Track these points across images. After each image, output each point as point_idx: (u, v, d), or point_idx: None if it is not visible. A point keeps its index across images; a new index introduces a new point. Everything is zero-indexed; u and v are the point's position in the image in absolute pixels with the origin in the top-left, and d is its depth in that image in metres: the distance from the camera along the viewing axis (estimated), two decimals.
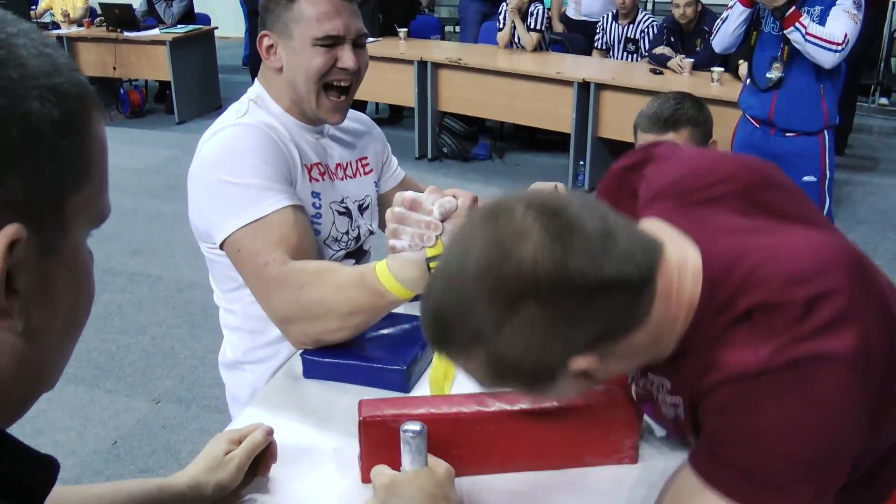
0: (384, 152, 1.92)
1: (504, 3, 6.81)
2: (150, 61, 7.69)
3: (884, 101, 8.04)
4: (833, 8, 3.63)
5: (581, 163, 5.86)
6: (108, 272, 4.67)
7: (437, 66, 6.48)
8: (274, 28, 1.61)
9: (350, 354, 1.44)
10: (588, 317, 0.91)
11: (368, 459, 1.15)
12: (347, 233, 1.76)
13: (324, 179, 1.70)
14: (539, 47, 6.74)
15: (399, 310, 1.46)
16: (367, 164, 1.84)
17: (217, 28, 8.33)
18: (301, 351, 1.48)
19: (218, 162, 1.54)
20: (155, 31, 7.70)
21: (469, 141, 6.83)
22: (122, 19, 7.63)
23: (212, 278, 1.73)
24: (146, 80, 8.56)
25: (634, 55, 6.53)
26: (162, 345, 3.91)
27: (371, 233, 1.85)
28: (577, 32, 7.66)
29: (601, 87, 5.69)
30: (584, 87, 5.76)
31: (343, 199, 1.75)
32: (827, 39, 3.54)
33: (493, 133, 7.25)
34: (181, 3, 8.09)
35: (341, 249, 1.74)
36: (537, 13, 6.73)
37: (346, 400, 1.37)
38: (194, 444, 3.21)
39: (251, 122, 1.60)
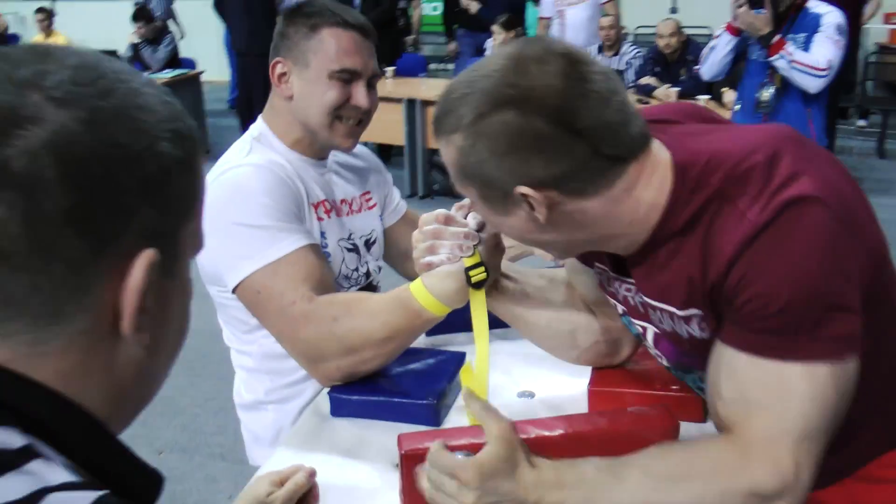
0: (386, 186, 1.93)
1: (492, 38, 6.88)
2: None
3: (862, 122, 8.16)
4: (816, 34, 3.71)
5: None
6: None
7: (426, 103, 6.52)
8: (289, 55, 1.62)
9: (378, 391, 1.45)
10: (554, 152, 1.03)
11: (410, 494, 1.15)
12: (357, 269, 1.77)
13: (330, 217, 1.70)
14: None
15: (420, 344, 1.49)
16: (371, 199, 1.85)
17: (204, 72, 8.35)
18: (328, 389, 1.49)
19: (227, 204, 1.51)
20: None
21: (447, 175, 6.83)
22: None
23: (222, 321, 1.72)
24: None
25: None
26: (161, 394, 3.74)
27: (379, 269, 1.86)
28: None
29: None
30: None
31: (350, 236, 1.76)
32: (811, 66, 3.62)
33: None
34: (167, 48, 8.13)
35: (352, 286, 1.74)
36: None
37: (378, 436, 1.37)
38: (200, 494, 3.16)
39: (257, 161, 1.59)
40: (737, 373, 1.07)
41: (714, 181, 1.07)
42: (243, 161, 1.59)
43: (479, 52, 7.46)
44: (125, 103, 0.61)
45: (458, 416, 1.44)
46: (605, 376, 1.46)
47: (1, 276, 0.57)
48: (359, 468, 1.32)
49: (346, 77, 1.60)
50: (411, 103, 6.44)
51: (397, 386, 1.46)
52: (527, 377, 1.54)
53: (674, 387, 1.40)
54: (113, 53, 7.84)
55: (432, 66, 9.45)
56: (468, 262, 1.34)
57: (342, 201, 1.76)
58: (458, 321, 1.51)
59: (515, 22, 6.81)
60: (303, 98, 1.62)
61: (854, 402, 1.09)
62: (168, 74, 7.67)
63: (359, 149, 1.84)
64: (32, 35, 8.88)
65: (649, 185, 1.10)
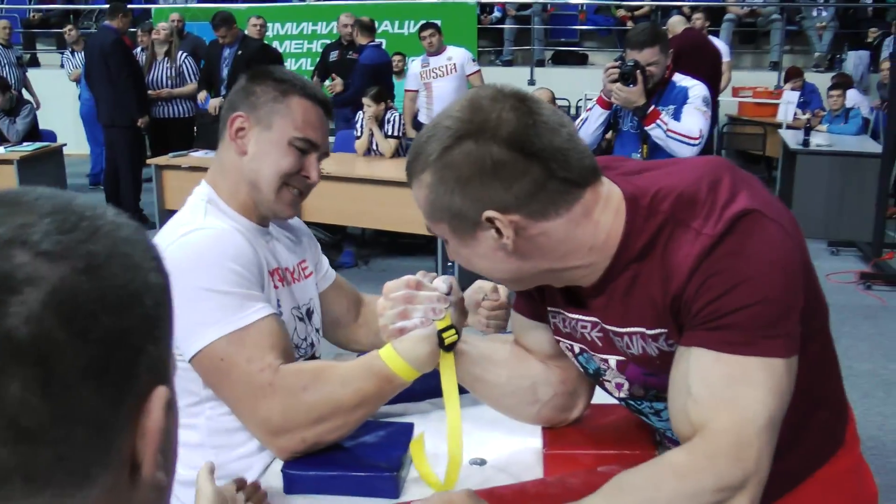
0: (318, 253, 1.93)
1: (360, 112, 6.97)
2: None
3: None
4: (685, 106, 3.92)
5: (449, 263, 5.97)
6: None
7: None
8: (252, 113, 1.61)
9: (335, 465, 1.43)
10: (512, 176, 1.14)
11: None
12: (305, 339, 1.75)
13: (283, 285, 1.69)
14: (397, 153, 6.90)
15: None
16: (307, 267, 1.84)
17: (66, 144, 8.07)
18: (281, 465, 1.45)
19: (190, 269, 1.47)
20: (0, 150, 7.41)
21: (334, 250, 6.84)
22: None
23: None
24: None
25: None
26: None
27: (319, 339, 1.84)
28: None
29: None
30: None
31: (300, 305, 1.75)
32: (685, 135, 3.81)
33: (356, 240, 7.30)
34: (25, 120, 7.81)
35: (300, 357, 1.71)
36: (394, 120, 6.92)
37: None
38: None
39: (219, 225, 1.57)
40: (703, 371, 1.15)
41: (664, 208, 1.18)
42: (205, 224, 1.56)
43: (350, 124, 7.54)
44: (114, 241, 0.57)
45: (416, 488, 1.43)
46: (559, 437, 1.49)
47: (24, 454, 0.51)
48: None
49: (304, 147, 1.62)
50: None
51: (354, 459, 1.44)
52: (476, 443, 1.54)
53: (626, 451, 1.44)
54: None
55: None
56: (440, 325, 1.37)
57: (285, 269, 1.74)
58: (404, 392, 1.52)
59: (385, 94, 6.96)
60: (257, 157, 1.61)
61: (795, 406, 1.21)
62: (29, 148, 7.37)
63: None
64: None
65: (606, 210, 1.21)
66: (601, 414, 1.54)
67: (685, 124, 3.87)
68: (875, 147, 7.22)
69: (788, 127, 8.21)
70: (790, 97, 8.52)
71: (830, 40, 10.46)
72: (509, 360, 1.48)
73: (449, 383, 1.39)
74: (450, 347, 1.39)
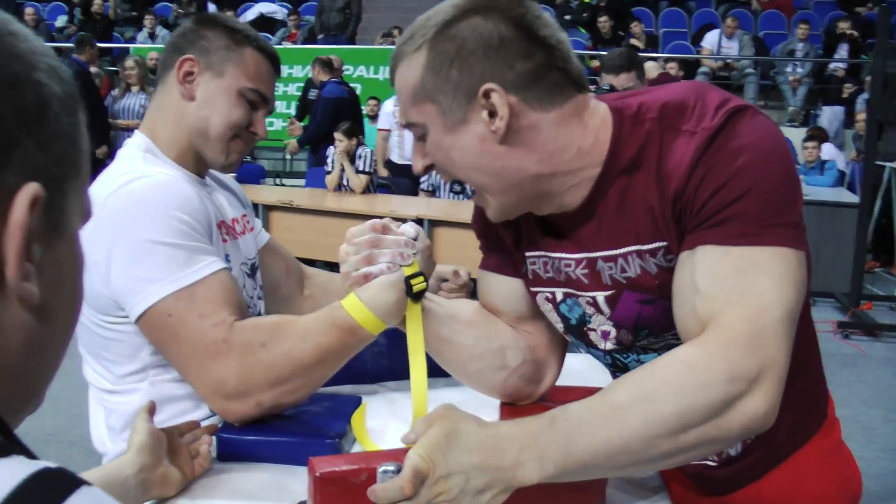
0: (251, 210, 1.82)
1: (332, 147, 6.94)
2: None
3: None
4: None
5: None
6: None
7: (269, 208, 6.47)
8: (203, 58, 1.51)
9: (273, 430, 1.31)
10: (517, 54, 1.10)
11: None
12: (253, 297, 1.64)
13: (230, 238, 1.58)
14: (367, 189, 6.87)
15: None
16: (249, 222, 1.73)
17: None
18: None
19: (135, 218, 1.35)
20: None
21: None
22: None
23: (97, 362, 1.49)
24: None
25: (460, 195, 6.73)
26: None
27: (261, 297, 1.72)
28: (402, 176, 7.88)
29: (435, 223, 5.83)
30: (417, 223, 5.88)
31: (247, 260, 1.63)
32: None
33: None
34: None
35: (250, 316, 1.57)
36: (365, 156, 6.90)
37: (273, 478, 1.24)
38: None
39: (162, 172, 1.45)
40: (711, 266, 1.05)
41: (651, 115, 1.13)
42: (145, 171, 1.44)
43: (321, 161, 7.50)
44: (4, 31, 0.56)
45: None
46: (516, 414, 1.33)
47: None
48: None
49: (255, 100, 1.54)
50: (254, 208, 6.34)
51: (295, 426, 1.33)
52: None
53: None
54: None
55: (269, 180, 9.38)
56: (408, 271, 1.27)
57: (233, 221, 1.63)
58: (355, 370, 1.43)
59: (356, 129, 6.96)
60: (207, 103, 1.51)
61: None
62: None
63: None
64: None
65: (594, 117, 1.15)
66: (564, 394, 1.42)
67: None
68: (852, 198, 7.26)
69: None
70: None
71: (804, 95, 10.58)
72: (477, 321, 1.36)
73: (415, 336, 1.27)
74: (418, 296, 1.28)
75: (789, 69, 10.69)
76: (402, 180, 7.92)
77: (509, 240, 1.31)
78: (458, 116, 1.12)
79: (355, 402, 1.43)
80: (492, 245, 1.36)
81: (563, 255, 1.23)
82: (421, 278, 1.28)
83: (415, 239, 1.30)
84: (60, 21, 12.51)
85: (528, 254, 1.29)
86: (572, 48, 1.16)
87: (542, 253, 1.26)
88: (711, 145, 1.06)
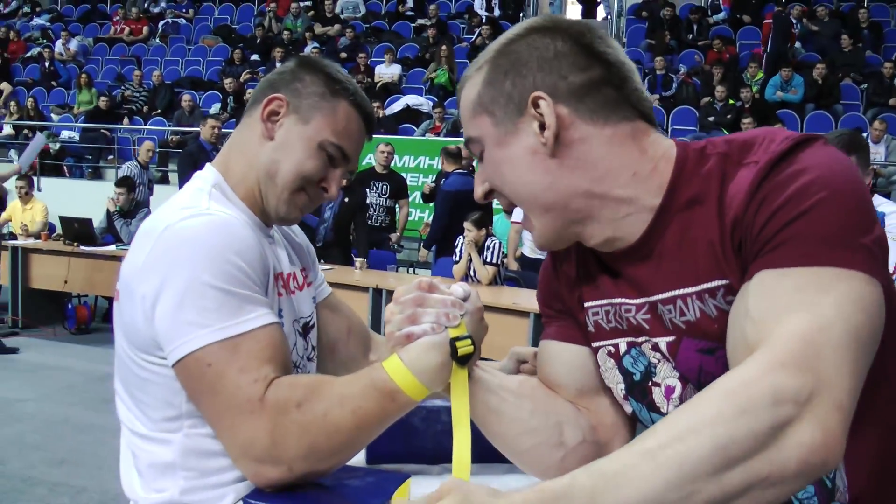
0: (316, 265, 1.73)
1: (461, 237, 6.95)
2: (102, 277, 7.59)
3: None
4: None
5: None
6: (27, 481, 4.32)
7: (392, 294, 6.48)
8: (293, 100, 1.45)
9: (303, 500, 1.22)
10: (571, 66, 1.08)
11: None
12: (304, 357, 1.55)
13: (286, 293, 1.49)
14: (494, 281, 6.81)
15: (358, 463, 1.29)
16: (307, 277, 1.64)
17: None
18: (244, 495, 1.25)
19: (189, 258, 1.27)
20: (111, 248, 7.67)
21: None
22: (81, 233, 7.63)
23: (133, 403, 1.41)
24: (96, 298, 8.42)
25: None
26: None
27: (312, 358, 1.62)
28: (531, 270, 7.79)
29: None
30: (539, 317, 5.77)
31: (300, 318, 1.55)
32: None
33: None
34: (140, 222, 8.10)
35: None
36: (493, 247, 6.86)
37: None
38: None
39: (224, 212, 1.37)
40: (766, 290, 0.93)
41: (718, 151, 1.07)
42: (209, 209, 1.36)
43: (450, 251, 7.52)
44: None
45: None
46: None
47: None
48: None
49: (335, 155, 1.45)
50: (378, 293, 6.40)
51: (331, 498, 1.23)
52: None
53: None
54: (88, 221, 7.93)
55: (402, 269, 9.47)
56: (454, 333, 1.19)
57: (289, 276, 1.54)
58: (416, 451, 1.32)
59: (486, 220, 6.93)
60: (283, 147, 1.44)
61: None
62: None
63: None
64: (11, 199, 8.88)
65: (655, 146, 1.11)
66: None
67: None
68: None
69: None
70: None
71: None
72: (532, 394, 1.26)
73: (460, 403, 1.18)
74: (464, 360, 1.19)
75: None
76: (530, 274, 7.83)
77: (571, 297, 1.23)
78: (510, 127, 1.12)
79: (401, 479, 1.33)
80: (555, 311, 1.28)
81: (624, 300, 1.14)
82: (468, 341, 1.19)
83: (464, 300, 1.22)
84: (214, 108, 13.21)
85: (588, 304, 1.21)
86: (638, 74, 1.14)
87: (604, 301, 1.18)
88: (773, 170, 0.98)
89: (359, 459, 1.43)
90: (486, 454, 1.31)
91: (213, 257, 1.28)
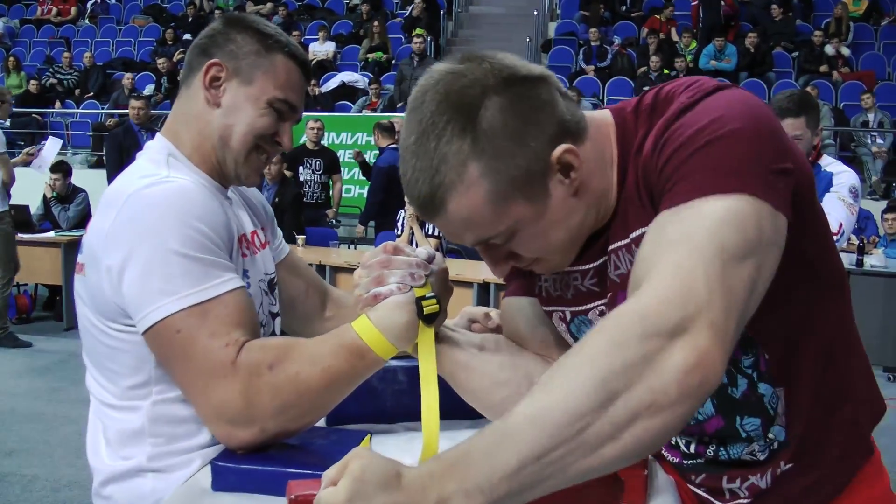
0: (273, 223, 1.75)
1: (402, 211, 6.98)
2: (41, 265, 7.49)
3: None
4: (826, 194, 3.50)
5: None
6: None
7: (336, 269, 6.52)
8: (231, 63, 1.46)
9: (271, 461, 1.26)
10: (544, 107, 1.04)
11: None
12: (270, 314, 1.58)
13: (250, 253, 1.52)
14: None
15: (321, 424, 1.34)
16: (267, 235, 1.67)
17: None
18: (211, 459, 1.29)
19: (153, 226, 1.29)
20: (50, 234, 7.55)
21: None
22: (18, 221, 7.48)
23: (100, 372, 1.42)
24: (36, 286, 8.29)
25: None
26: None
27: (278, 314, 1.65)
28: None
29: (502, 287, 5.76)
30: (484, 287, 5.86)
31: (266, 275, 1.57)
32: None
33: None
34: (78, 208, 8.04)
35: (265, 335, 1.52)
36: None
37: None
38: None
39: (185, 178, 1.38)
40: (655, 230, 0.97)
41: (647, 101, 1.11)
42: (169, 176, 1.38)
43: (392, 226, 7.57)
44: None
45: None
46: None
47: None
48: None
49: (283, 109, 1.48)
50: (321, 269, 6.42)
51: (294, 457, 1.27)
52: None
53: None
54: (25, 208, 7.77)
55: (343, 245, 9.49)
56: (420, 293, 1.24)
57: (252, 234, 1.56)
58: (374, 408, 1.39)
59: None
60: (232, 111, 1.46)
61: (811, 403, 1.09)
62: (78, 233, 7.50)
63: None
64: None
65: (604, 121, 1.13)
66: None
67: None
68: None
69: (841, 251, 7.99)
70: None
71: (883, 167, 10.32)
72: (500, 348, 1.31)
73: (427, 363, 1.23)
74: (430, 319, 1.24)
75: (869, 140, 10.45)
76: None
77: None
78: (543, 195, 1.06)
79: (361, 436, 1.38)
80: (514, 269, 1.31)
81: (573, 267, 1.19)
82: (433, 301, 1.24)
83: (429, 262, 1.27)
84: (148, 90, 13.00)
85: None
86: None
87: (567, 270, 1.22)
88: (678, 117, 1.01)
89: (320, 422, 1.47)
90: (451, 411, 1.35)
91: (177, 224, 1.30)
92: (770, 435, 1.18)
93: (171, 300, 1.28)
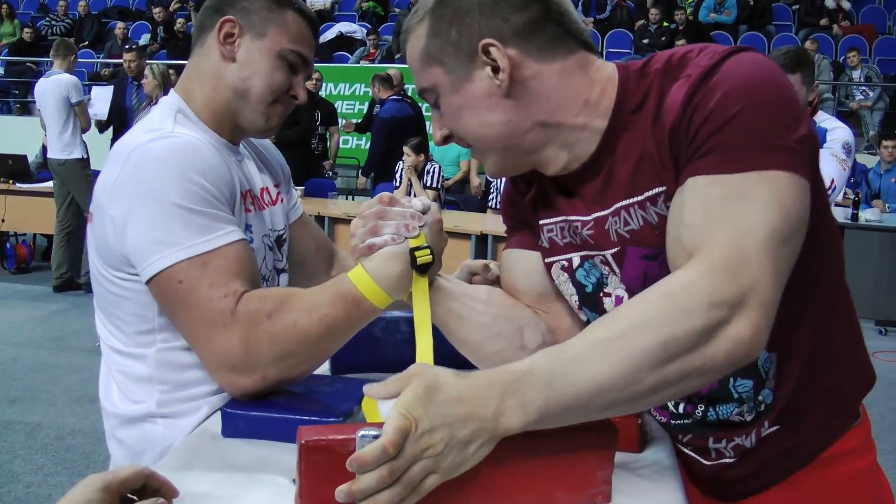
0: (289, 182, 1.80)
1: (400, 162, 7.00)
2: (40, 215, 7.50)
3: None
4: (820, 150, 3.54)
5: None
6: None
7: (335, 221, 6.55)
8: (244, 19, 1.51)
9: (279, 408, 1.30)
10: (511, 7, 1.13)
11: (309, 495, 1.01)
12: (274, 269, 1.63)
13: (255, 209, 1.56)
14: None
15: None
16: (280, 192, 1.71)
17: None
18: (220, 406, 1.34)
19: (155, 179, 1.33)
20: (48, 184, 7.55)
21: None
22: (15, 170, 7.48)
23: (108, 319, 1.49)
24: (34, 236, 8.32)
25: None
26: (37, 493, 3.61)
27: (285, 269, 1.70)
28: (469, 194, 7.90)
29: (499, 239, 5.82)
30: (481, 239, 5.90)
31: (271, 232, 1.62)
32: None
33: None
34: None
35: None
36: (433, 171, 6.93)
37: (275, 454, 1.23)
38: None
39: (189, 134, 1.42)
40: (697, 197, 1.03)
41: (656, 67, 1.14)
42: (174, 131, 1.42)
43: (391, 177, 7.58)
44: None
45: None
46: None
47: None
48: (252, 486, 1.16)
49: (296, 62, 1.53)
50: (320, 220, 6.44)
51: (300, 404, 1.32)
52: None
53: None
54: (23, 158, 7.77)
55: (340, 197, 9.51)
56: (414, 244, 1.27)
57: (262, 190, 1.61)
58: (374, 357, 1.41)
59: (425, 145, 7.01)
60: (248, 65, 1.50)
61: (803, 367, 1.15)
62: None
63: (264, 140, 1.74)
64: None
65: (602, 71, 1.18)
66: None
67: None
68: None
69: (837, 205, 8.02)
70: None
71: (881, 121, 10.31)
72: (495, 301, 1.35)
73: (421, 309, 1.26)
74: (423, 269, 1.27)
75: (860, 94, 10.44)
76: (470, 197, 7.94)
77: (531, 211, 1.32)
78: (463, 75, 1.16)
79: (365, 384, 1.43)
80: (515, 222, 1.37)
81: (575, 216, 1.23)
82: (427, 251, 1.27)
83: (424, 213, 1.30)
84: (144, 39, 12.92)
85: (543, 221, 1.30)
86: (572, 4, 1.19)
87: (559, 218, 1.26)
88: (703, 81, 1.06)
89: (324, 370, 1.52)
90: (443, 363, 1.39)
91: (179, 178, 1.34)
92: (759, 397, 1.22)
93: (173, 251, 1.32)
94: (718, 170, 1.02)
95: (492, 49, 1.13)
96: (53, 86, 6.95)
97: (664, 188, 1.11)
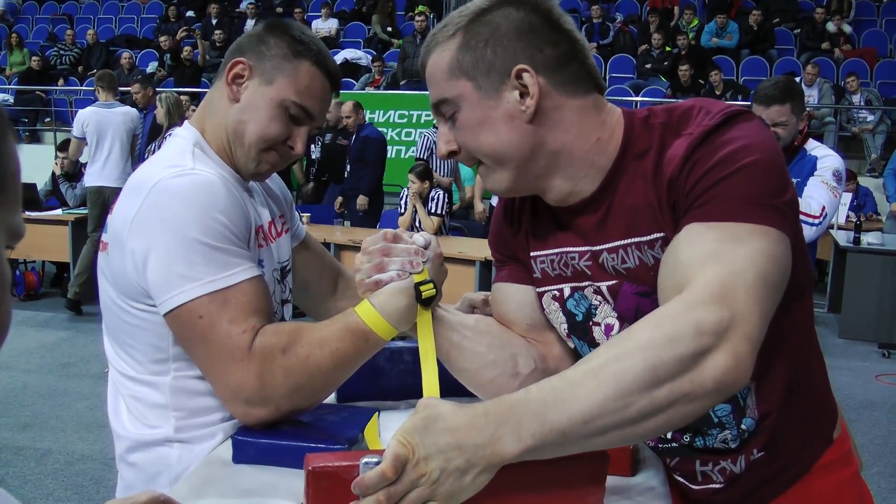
0: (292, 208, 1.83)
1: (405, 189, 7.06)
2: (49, 242, 7.57)
3: None
4: (811, 178, 3.57)
5: None
6: None
7: (340, 247, 6.61)
8: (257, 63, 1.53)
9: (287, 435, 1.37)
10: (546, 42, 1.20)
11: None
12: (280, 302, 1.67)
13: (265, 243, 1.60)
14: (439, 231, 6.96)
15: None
16: (285, 223, 1.75)
17: None
18: (231, 434, 1.40)
19: (178, 215, 1.37)
20: (57, 212, 7.64)
21: None
22: (25, 199, 7.50)
23: (120, 347, 1.51)
24: (43, 263, 8.39)
25: None
26: None
27: (289, 300, 1.74)
28: (473, 220, 7.96)
29: None
30: (486, 265, 5.94)
31: (279, 264, 1.66)
32: (803, 211, 3.38)
33: None
34: (85, 185, 8.07)
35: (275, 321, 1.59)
36: (438, 198, 6.99)
37: (284, 480, 1.29)
38: None
39: (209, 171, 1.45)
40: (693, 239, 1.11)
41: (659, 120, 1.22)
42: (195, 168, 1.45)
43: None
44: None
45: None
46: None
47: None
48: None
49: (298, 115, 1.53)
50: (325, 247, 6.47)
51: (308, 432, 1.38)
52: None
53: None
54: (32, 186, 7.86)
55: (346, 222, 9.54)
56: (418, 279, 1.33)
57: (269, 224, 1.65)
58: (379, 388, 1.47)
59: (429, 172, 7.09)
60: (248, 109, 1.52)
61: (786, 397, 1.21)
62: (85, 211, 7.60)
63: None
64: None
65: (611, 114, 1.26)
66: None
67: (805, 200, 3.47)
68: None
69: (840, 228, 8.08)
70: (843, 199, 8.41)
71: (883, 144, 10.37)
72: (489, 330, 1.42)
73: (426, 340, 1.32)
74: (427, 302, 1.33)
75: (860, 116, 10.51)
76: (474, 223, 8.00)
77: (521, 246, 1.38)
78: (491, 93, 1.21)
79: (370, 412, 1.49)
80: (505, 257, 1.44)
81: (570, 248, 1.30)
82: (430, 285, 1.33)
83: (426, 248, 1.36)
84: (151, 67, 13.04)
85: (535, 253, 1.36)
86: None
87: (553, 250, 1.33)
88: (705, 140, 1.14)
89: (330, 399, 1.58)
90: (448, 391, 1.44)
91: (200, 215, 1.39)
92: (742, 426, 1.29)
93: (195, 286, 1.37)
94: (715, 217, 1.10)
95: (525, 74, 1.19)
96: (124, 118, 7.31)
97: (662, 234, 1.18)
